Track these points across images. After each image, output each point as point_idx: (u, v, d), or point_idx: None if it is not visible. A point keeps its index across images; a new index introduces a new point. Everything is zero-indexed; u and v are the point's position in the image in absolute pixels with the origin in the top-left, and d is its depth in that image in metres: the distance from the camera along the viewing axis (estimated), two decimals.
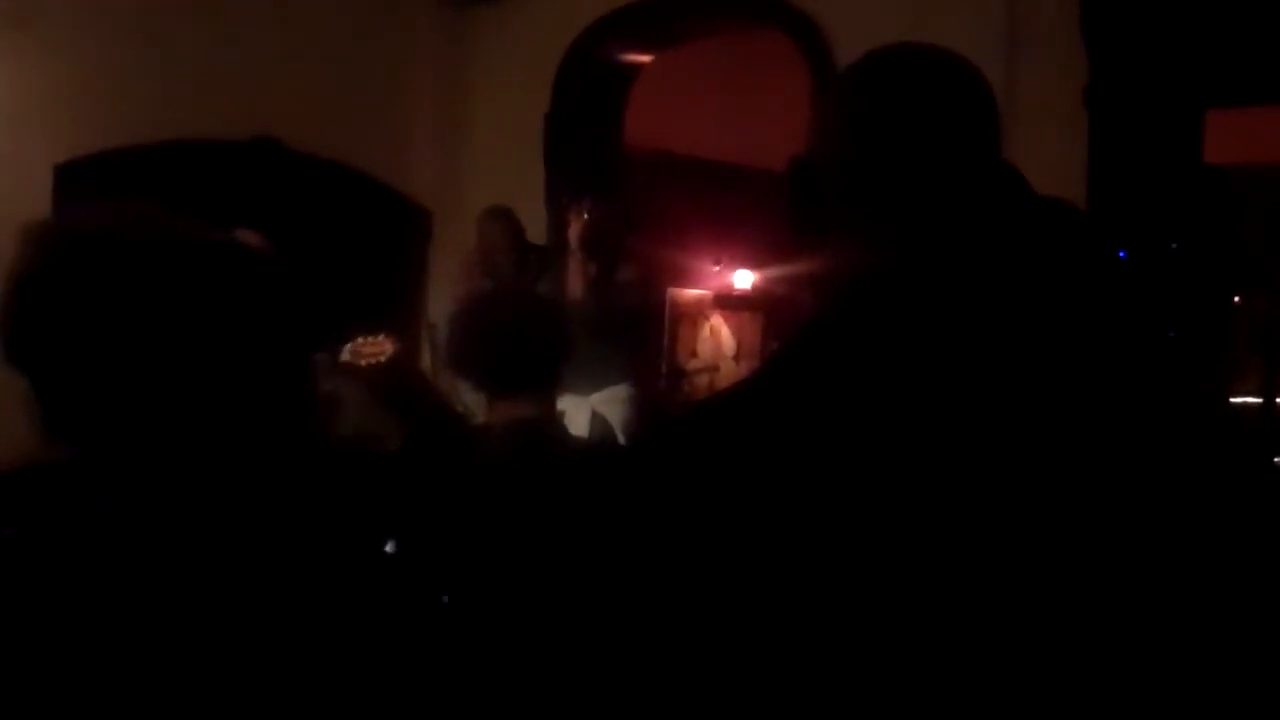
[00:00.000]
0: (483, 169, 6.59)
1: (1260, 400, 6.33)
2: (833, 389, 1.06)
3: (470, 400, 4.67)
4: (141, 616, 1.06)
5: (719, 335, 10.75)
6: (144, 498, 1.11)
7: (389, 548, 2.01)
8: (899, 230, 1.13)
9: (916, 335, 1.06)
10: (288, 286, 1.22)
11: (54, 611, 1.05)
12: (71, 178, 5.27)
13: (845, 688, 0.99)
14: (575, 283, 4.78)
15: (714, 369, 10.55)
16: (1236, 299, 6.95)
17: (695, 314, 10.58)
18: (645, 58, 6.58)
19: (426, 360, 5.46)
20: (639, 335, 5.38)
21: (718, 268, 10.53)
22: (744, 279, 10.60)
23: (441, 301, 5.58)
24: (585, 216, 4.83)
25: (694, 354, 10.54)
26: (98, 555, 1.07)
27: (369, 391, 3.03)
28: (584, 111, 6.49)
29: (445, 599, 2.03)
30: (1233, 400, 6.06)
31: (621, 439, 4.58)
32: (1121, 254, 3.84)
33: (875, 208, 1.14)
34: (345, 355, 4.76)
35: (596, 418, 4.69)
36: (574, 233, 4.85)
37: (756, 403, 1.11)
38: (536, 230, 5.56)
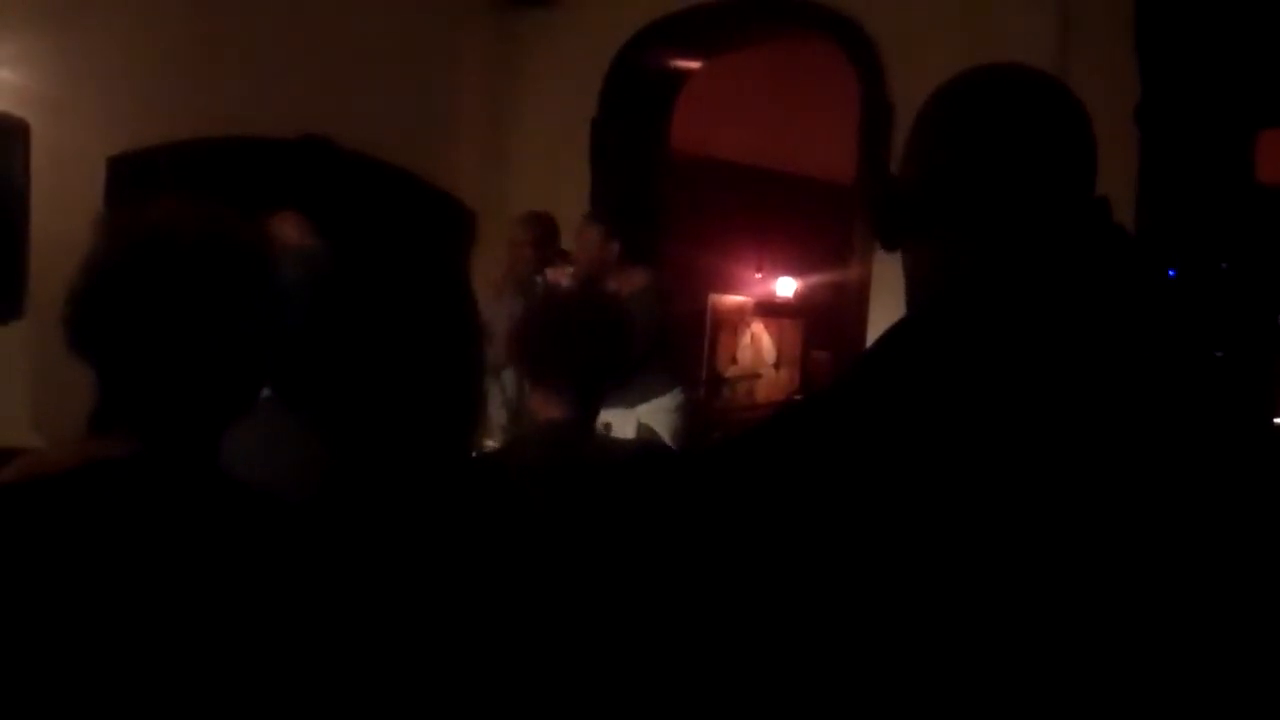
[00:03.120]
0: (528, 171, 6.61)
1: None
2: (907, 411, 1.08)
3: (512, 396, 4.70)
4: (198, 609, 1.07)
5: (760, 342, 10.74)
6: (204, 490, 1.13)
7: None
8: (974, 252, 1.16)
9: (972, 358, 1.08)
10: (350, 289, 1.24)
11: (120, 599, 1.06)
12: (124, 171, 5.32)
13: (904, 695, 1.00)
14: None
15: (754, 376, 10.54)
16: None
17: (736, 320, 10.58)
18: (693, 64, 6.58)
19: None
20: (672, 343, 5.38)
21: (760, 274, 10.53)
22: (786, 286, 10.60)
23: (484, 300, 5.61)
24: (582, 244, 4.94)
25: (734, 360, 10.54)
26: (158, 550, 1.09)
27: None
28: (631, 117, 6.50)
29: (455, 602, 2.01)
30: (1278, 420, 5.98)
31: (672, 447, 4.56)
32: (1171, 273, 3.81)
33: (958, 227, 1.17)
34: None
35: (642, 429, 4.67)
36: (576, 263, 4.94)
37: (836, 423, 1.13)
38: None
